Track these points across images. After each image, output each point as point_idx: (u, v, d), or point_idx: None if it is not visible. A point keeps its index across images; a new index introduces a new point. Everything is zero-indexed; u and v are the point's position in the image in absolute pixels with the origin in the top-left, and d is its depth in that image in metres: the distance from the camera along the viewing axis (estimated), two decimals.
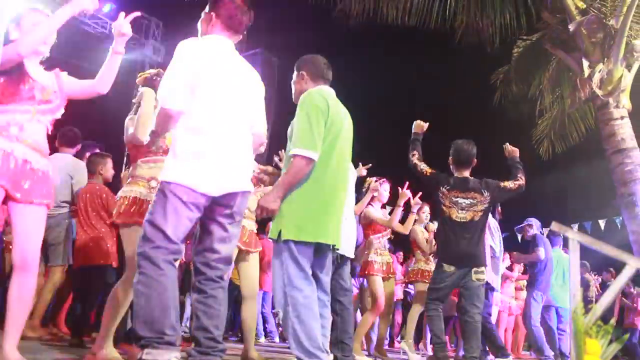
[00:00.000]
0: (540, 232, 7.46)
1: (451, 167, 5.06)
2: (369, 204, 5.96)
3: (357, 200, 5.51)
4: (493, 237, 6.25)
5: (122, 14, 2.99)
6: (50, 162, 2.88)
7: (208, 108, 2.67)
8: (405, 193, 5.86)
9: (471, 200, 4.85)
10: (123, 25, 2.94)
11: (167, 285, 2.49)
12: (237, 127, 2.78)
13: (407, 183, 5.93)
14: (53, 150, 5.39)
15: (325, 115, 3.09)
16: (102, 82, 3.02)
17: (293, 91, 3.39)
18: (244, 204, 2.82)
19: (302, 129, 3.04)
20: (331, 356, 3.01)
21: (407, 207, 6.23)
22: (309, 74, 3.33)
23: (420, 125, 5.21)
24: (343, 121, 3.25)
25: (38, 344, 4.28)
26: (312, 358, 2.87)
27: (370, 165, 5.85)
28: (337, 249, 3.31)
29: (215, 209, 2.71)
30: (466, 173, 5.01)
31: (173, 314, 2.48)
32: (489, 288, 6.05)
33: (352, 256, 4.33)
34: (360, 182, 5.85)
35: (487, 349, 6.14)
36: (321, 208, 3.07)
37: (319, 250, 3.13)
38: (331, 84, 3.41)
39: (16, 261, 2.71)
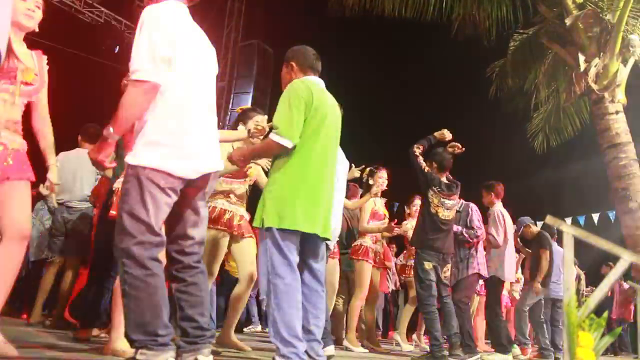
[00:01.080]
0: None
1: (432, 170, 5.32)
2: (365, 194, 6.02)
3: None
4: (496, 227, 6.21)
5: None
6: (24, 142, 2.87)
7: (183, 84, 2.49)
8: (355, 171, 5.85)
9: (453, 202, 5.35)
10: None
11: (156, 285, 2.35)
12: (208, 103, 2.65)
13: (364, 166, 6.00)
14: (74, 145, 5.44)
15: (308, 104, 3.12)
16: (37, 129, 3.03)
17: (282, 81, 3.41)
18: (213, 183, 2.68)
19: (282, 116, 3.09)
20: (304, 346, 3.00)
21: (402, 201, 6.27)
22: (298, 64, 3.35)
23: (442, 134, 5.44)
24: (329, 111, 3.27)
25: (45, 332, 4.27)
26: (288, 346, 2.88)
27: (364, 166, 5.90)
28: (328, 239, 3.30)
29: (188, 192, 2.55)
30: (445, 177, 5.39)
31: (164, 313, 2.37)
32: (497, 280, 6.14)
33: (332, 248, 4.29)
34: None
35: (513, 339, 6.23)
36: (304, 196, 3.07)
37: (309, 239, 3.13)
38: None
39: (5, 233, 2.70)
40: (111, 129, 2.41)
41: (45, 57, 3.02)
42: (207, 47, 2.76)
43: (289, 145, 3.05)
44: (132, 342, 2.39)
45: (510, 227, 6.51)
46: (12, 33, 2.78)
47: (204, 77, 2.65)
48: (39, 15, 2.93)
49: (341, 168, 4.23)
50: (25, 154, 2.85)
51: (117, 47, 12.19)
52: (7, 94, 2.75)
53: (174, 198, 2.47)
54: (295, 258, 3.05)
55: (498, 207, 6.35)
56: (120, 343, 3.19)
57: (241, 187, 4.44)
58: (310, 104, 3.13)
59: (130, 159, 2.42)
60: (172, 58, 2.44)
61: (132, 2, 13.18)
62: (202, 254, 2.65)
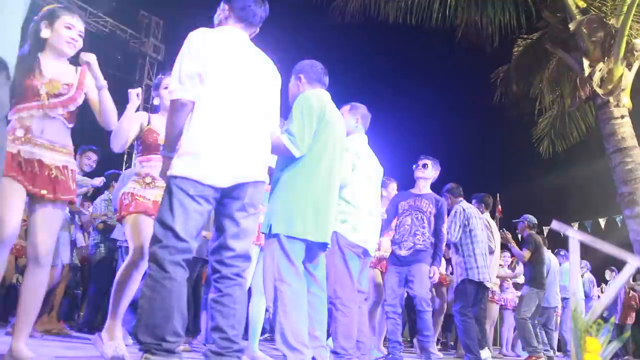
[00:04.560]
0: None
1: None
2: None
3: None
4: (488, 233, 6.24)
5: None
6: (71, 157, 2.92)
7: (215, 98, 2.58)
8: None
9: None
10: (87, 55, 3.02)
11: (171, 289, 2.38)
12: (248, 116, 2.67)
13: None
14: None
15: (320, 116, 3.19)
16: (103, 121, 3.07)
17: (289, 94, 3.47)
18: (256, 195, 2.67)
19: (297, 125, 3.15)
20: (311, 352, 3.01)
21: None
22: (306, 78, 3.43)
23: None
24: (337, 123, 3.35)
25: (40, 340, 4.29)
26: (295, 353, 2.90)
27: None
28: (328, 246, 3.34)
29: (225, 202, 2.60)
30: None
31: (177, 319, 2.38)
32: (482, 286, 6.06)
33: (373, 253, 4.24)
34: None
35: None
36: (312, 205, 3.11)
37: (312, 247, 3.17)
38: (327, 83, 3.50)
39: (31, 255, 2.76)
40: (161, 148, 2.72)
41: (84, 67, 3.05)
42: (258, 64, 2.83)
43: (297, 154, 3.12)
44: (139, 344, 2.40)
45: (497, 236, 6.64)
46: (49, 54, 2.89)
47: (246, 93, 2.69)
48: (80, 44, 2.99)
49: (377, 176, 4.25)
50: (66, 172, 2.86)
51: (119, 56, 12.26)
52: (34, 109, 2.78)
53: (206, 207, 2.53)
54: (301, 265, 3.07)
55: (485, 217, 6.41)
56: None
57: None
58: (322, 115, 3.21)
59: (168, 171, 2.56)
60: (203, 75, 2.55)
61: (137, 12, 13.28)
62: (245, 268, 2.65)
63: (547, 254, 7.52)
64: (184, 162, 2.50)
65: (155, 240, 2.46)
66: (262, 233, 3.18)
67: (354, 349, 3.71)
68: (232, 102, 2.62)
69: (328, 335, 3.94)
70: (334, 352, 3.63)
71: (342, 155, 3.48)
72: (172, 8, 12.87)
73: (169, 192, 2.50)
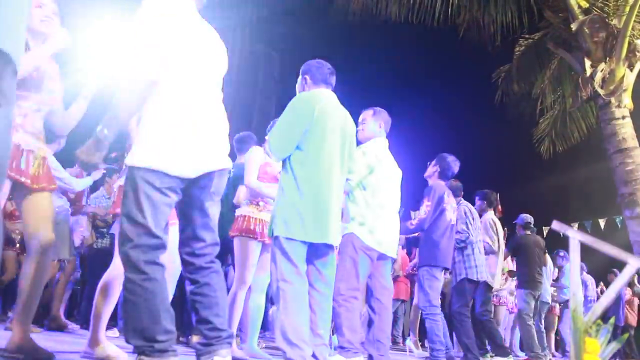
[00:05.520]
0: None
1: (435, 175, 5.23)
2: None
3: None
4: (488, 233, 6.23)
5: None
6: (48, 149, 2.93)
7: (180, 82, 2.40)
8: None
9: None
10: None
11: (153, 290, 2.28)
12: (211, 100, 2.54)
13: None
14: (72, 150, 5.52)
15: (306, 118, 3.18)
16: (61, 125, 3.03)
17: (297, 93, 3.49)
18: (222, 182, 2.58)
19: (276, 130, 3.26)
20: (311, 349, 3.03)
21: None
22: (311, 78, 3.44)
23: None
24: (336, 122, 3.32)
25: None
26: (294, 348, 2.91)
27: None
28: (335, 246, 3.35)
29: (192, 192, 2.47)
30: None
31: (165, 318, 2.30)
32: (487, 286, 6.04)
33: (395, 256, 4.23)
34: None
35: (489, 346, 6.13)
36: (311, 207, 3.12)
37: (318, 246, 3.18)
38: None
39: (31, 245, 2.77)
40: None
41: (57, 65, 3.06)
42: (214, 43, 2.66)
43: (274, 159, 3.36)
44: (133, 348, 2.36)
45: (501, 235, 6.56)
46: (32, 40, 2.84)
47: (207, 75, 2.55)
48: (56, 22, 2.96)
49: (397, 179, 4.27)
50: (48, 162, 2.91)
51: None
52: (34, 102, 2.81)
53: (174, 198, 2.41)
54: (303, 265, 3.09)
55: (490, 216, 6.39)
56: (107, 345, 3.11)
57: (273, 185, 4.34)
58: (311, 116, 3.19)
59: (127, 159, 2.39)
60: (167, 54, 2.38)
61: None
62: (215, 253, 2.57)
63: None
64: (147, 151, 2.33)
65: (125, 239, 2.31)
66: (268, 235, 3.23)
67: (359, 343, 3.74)
68: (198, 85, 2.48)
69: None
70: (340, 347, 3.65)
71: (348, 154, 3.46)
72: None
73: (133, 185, 2.32)
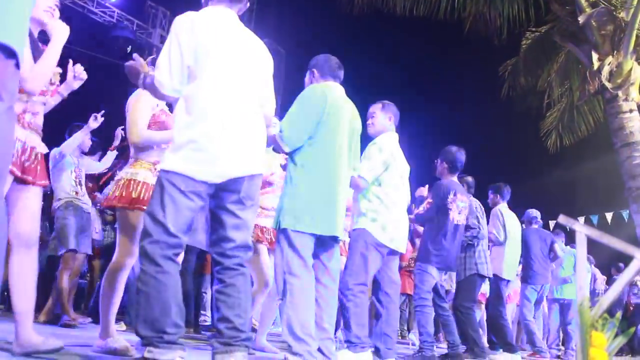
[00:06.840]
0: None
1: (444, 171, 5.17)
2: None
3: None
4: (494, 223, 6.21)
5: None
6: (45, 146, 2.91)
7: (207, 89, 2.51)
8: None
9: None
10: (82, 73, 3.07)
11: (166, 283, 2.40)
12: (242, 107, 2.60)
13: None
14: None
15: (320, 108, 3.19)
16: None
17: (305, 87, 3.48)
18: (252, 187, 2.62)
19: (289, 119, 3.22)
20: (317, 344, 3.04)
21: None
22: (319, 72, 3.45)
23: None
24: (345, 115, 3.33)
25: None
26: (301, 343, 2.93)
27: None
28: (341, 239, 3.35)
29: (222, 196, 2.56)
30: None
31: (175, 312, 2.40)
32: (498, 280, 6.04)
33: (404, 251, 4.28)
34: None
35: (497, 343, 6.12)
36: (320, 199, 3.13)
37: (322, 239, 3.19)
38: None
39: (21, 240, 2.70)
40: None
41: None
42: (250, 47, 2.71)
43: (286, 149, 3.20)
44: (141, 339, 2.41)
45: (517, 227, 6.49)
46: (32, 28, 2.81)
47: (239, 81, 2.61)
48: (57, 14, 2.96)
49: (406, 173, 4.24)
50: (43, 158, 2.88)
51: (130, 47, 12.24)
52: (41, 100, 2.81)
53: (198, 203, 2.51)
54: (310, 259, 3.10)
55: (500, 207, 6.36)
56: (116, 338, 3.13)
57: (265, 197, 4.38)
58: (323, 108, 3.20)
59: (159, 165, 2.58)
60: (194, 67, 2.51)
61: (144, 2, 13.27)
62: (247, 258, 2.62)
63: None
64: (177, 156, 2.48)
65: (145, 234, 2.45)
66: (272, 228, 3.23)
67: (367, 337, 3.75)
68: (226, 92, 2.56)
69: (337, 327, 3.97)
70: (347, 341, 3.66)
71: (356, 148, 3.49)
72: None
73: (160, 186, 2.48)
